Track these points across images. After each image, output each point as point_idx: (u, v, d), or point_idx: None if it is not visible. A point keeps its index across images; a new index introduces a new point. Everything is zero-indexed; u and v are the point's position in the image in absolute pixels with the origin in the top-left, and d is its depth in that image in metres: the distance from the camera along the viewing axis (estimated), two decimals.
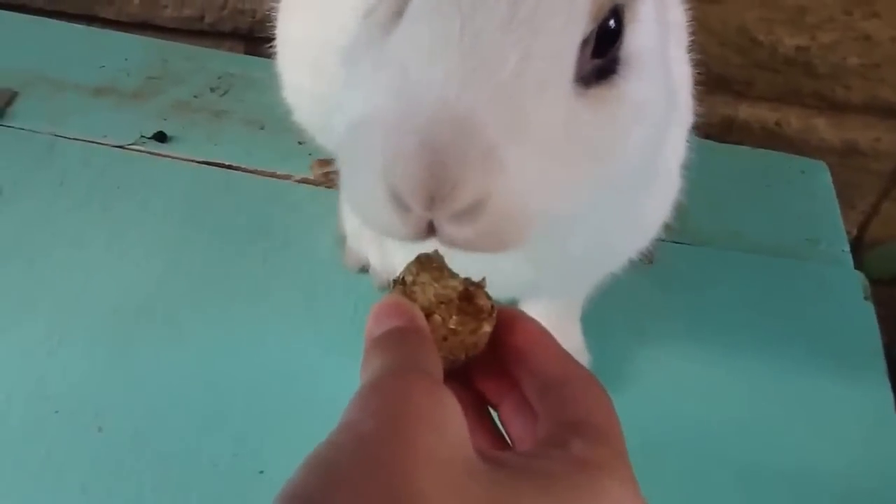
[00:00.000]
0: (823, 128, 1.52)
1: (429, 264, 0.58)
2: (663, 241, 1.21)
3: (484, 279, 0.58)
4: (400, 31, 0.55)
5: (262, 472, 0.93)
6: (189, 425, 0.95)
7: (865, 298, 1.19)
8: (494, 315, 0.58)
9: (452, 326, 0.56)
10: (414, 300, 0.56)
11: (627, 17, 0.59)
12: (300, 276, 1.13)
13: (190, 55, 1.44)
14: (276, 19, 1.08)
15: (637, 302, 1.14)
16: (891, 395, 1.09)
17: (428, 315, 0.56)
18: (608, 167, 0.59)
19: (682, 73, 0.82)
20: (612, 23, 0.58)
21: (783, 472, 0.99)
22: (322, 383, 1.00)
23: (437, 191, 0.51)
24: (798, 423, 1.05)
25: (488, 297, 0.58)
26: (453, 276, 0.58)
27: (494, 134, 0.51)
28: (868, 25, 1.41)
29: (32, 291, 1.07)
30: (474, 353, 0.58)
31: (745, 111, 1.53)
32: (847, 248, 1.27)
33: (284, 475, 0.74)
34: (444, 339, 0.56)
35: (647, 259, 1.20)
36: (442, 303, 0.57)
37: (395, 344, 0.51)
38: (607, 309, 1.05)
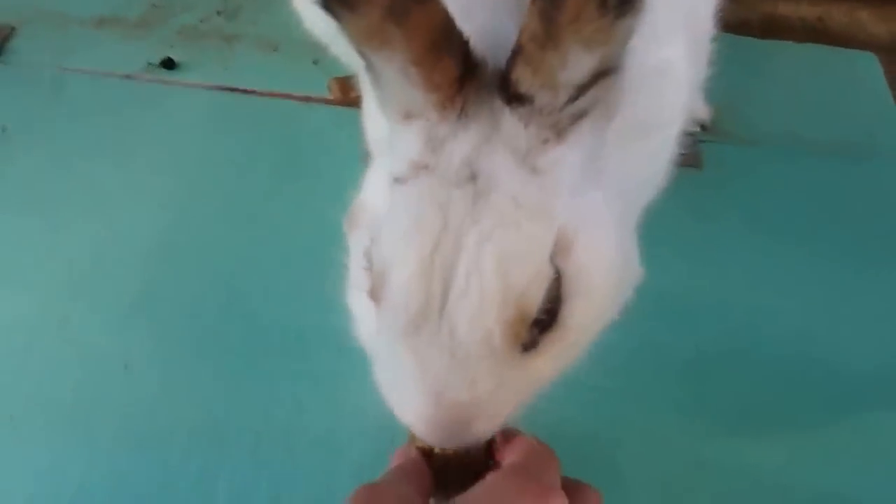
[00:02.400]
0: (869, 20, 1.47)
1: None
2: (710, 142, 1.17)
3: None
4: (384, 354, 0.69)
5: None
6: (215, 359, 0.92)
7: None
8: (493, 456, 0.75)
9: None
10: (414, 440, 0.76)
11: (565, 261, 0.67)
12: (325, 199, 1.07)
13: None
14: None
15: (686, 211, 1.09)
16: None
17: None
18: (571, 364, 0.72)
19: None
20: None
21: (850, 376, 0.95)
22: None
23: (448, 444, 0.70)
24: (866, 316, 1.01)
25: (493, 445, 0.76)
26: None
27: (470, 414, 0.67)
28: None
29: (51, 235, 1.04)
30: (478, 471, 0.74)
31: (786, 7, 1.48)
32: None
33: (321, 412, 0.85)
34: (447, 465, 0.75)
35: (696, 164, 1.15)
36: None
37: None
38: (660, 216, 0.99)
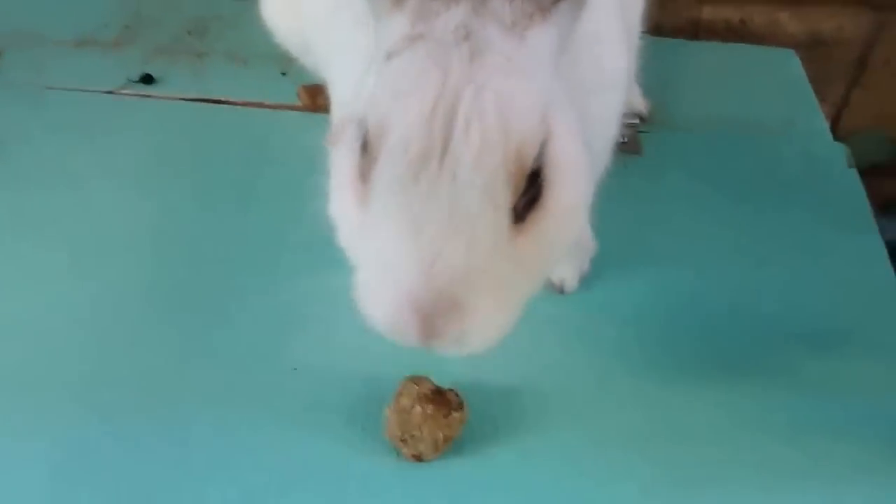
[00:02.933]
0: (787, 21, 1.60)
1: (415, 379, 0.89)
2: (649, 131, 1.28)
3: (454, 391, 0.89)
4: (374, 223, 0.70)
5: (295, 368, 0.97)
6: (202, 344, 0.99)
7: (849, 166, 1.26)
8: (464, 409, 0.87)
9: (428, 413, 0.86)
10: (400, 399, 0.87)
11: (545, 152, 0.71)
12: (297, 195, 1.16)
13: (163, 3, 1.50)
14: None
15: (632, 189, 1.18)
16: (882, 245, 1.15)
17: (410, 409, 0.86)
18: (554, 259, 0.78)
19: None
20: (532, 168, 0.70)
21: (786, 323, 1.05)
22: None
23: (428, 341, 0.70)
24: (800, 279, 1.10)
25: (457, 396, 0.88)
26: (433, 385, 0.88)
27: (459, 296, 0.68)
28: None
29: (42, 229, 1.11)
30: (449, 435, 0.87)
31: (709, 12, 1.60)
32: (825, 123, 1.34)
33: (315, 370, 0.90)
34: (424, 423, 0.86)
35: (637, 151, 1.26)
36: (419, 399, 0.87)
37: None
38: (604, 200, 1.09)
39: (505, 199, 0.68)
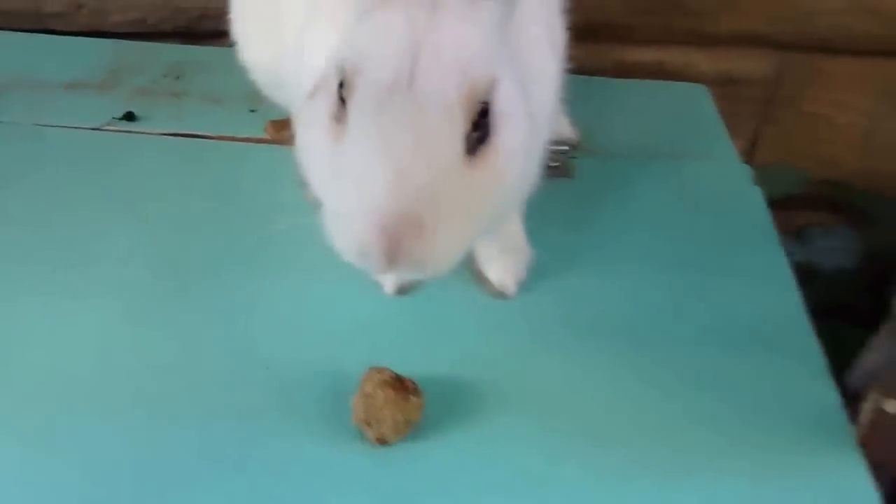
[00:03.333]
0: (700, 62, 1.75)
1: (378, 370, 0.97)
2: (578, 158, 1.43)
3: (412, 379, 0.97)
4: (348, 150, 0.83)
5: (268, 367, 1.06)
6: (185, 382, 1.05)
7: (753, 183, 1.41)
8: (421, 395, 0.97)
9: (390, 397, 0.94)
10: (364, 385, 0.96)
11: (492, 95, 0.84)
12: (267, 219, 1.26)
13: (141, 50, 1.61)
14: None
15: (564, 208, 1.31)
16: (784, 256, 1.28)
17: (373, 394, 0.95)
18: (500, 199, 0.89)
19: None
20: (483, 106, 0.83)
21: (701, 328, 1.16)
22: (308, 303, 1.15)
23: (392, 260, 0.80)
24: (710, 288, 1.22)
25: (413, 383, 0.97)
26: (394, 374, 0.97)
27: (422, 214, 0.79)
28: None
29: (37, 254, 1.20)
30: (409, 419, 0.96)
31: (631, 55, 1.74)
32: (733, 148, 1.48)
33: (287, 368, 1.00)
34: (386, 406, 0.94)
35: (566, 174, 1.41)
36: (381, 385, 0.95)
37: None
38: (537, 221, 1.21)
39: (460, 125, 0.81)
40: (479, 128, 0.83)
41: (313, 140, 0.89)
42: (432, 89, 0.80)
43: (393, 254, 0.80)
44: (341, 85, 0.84)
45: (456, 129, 0.81)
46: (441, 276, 0.87)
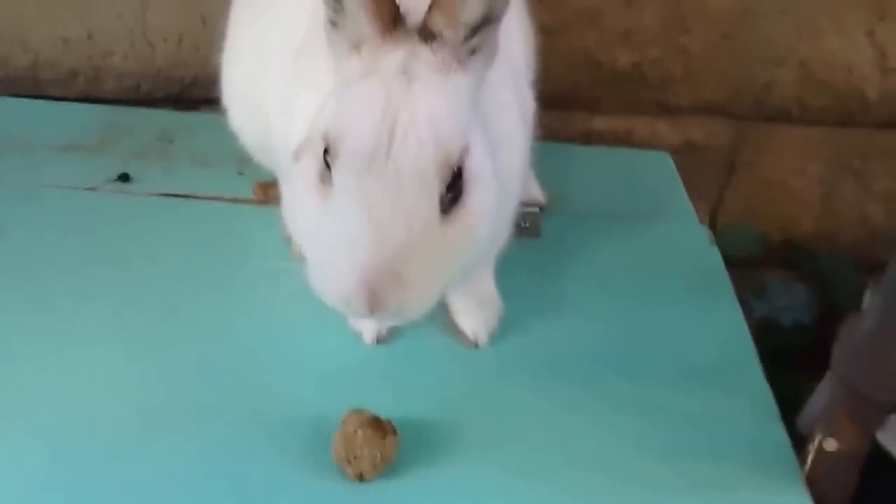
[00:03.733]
0: (664, 130, 1.84)
1: (357, 411, 1.04)
2: (547, 217, 1.50)
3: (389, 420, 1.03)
4: (334, 210, 0.91)
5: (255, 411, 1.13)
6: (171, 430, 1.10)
7: (711, 244, 1.49)
8: (398, 435, 1.03)
9: (368, 436, 1.01)
10: (345, 425, 1.02)
11: (464, 159, 0.92)
12: (251, 277, 1.33)
13: (135, 115, 1.68)
14: (220, 67, 1.35)
15: (533, 265, 1.40)
16: (738, 309, 1.37)
17: (353, 433, 1.01)
18: (472, 253, 0.97)
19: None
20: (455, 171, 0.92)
21: (658, 373, 1.24)
22: (288, 354, 1.22)
23: (373, 308, 0.88)
24: (667, 337, 1.30)
25: (391, 423, 1.03)
26: (372, 414, 1.03)
27: (400, 269, 0.88)
28: (683, 39, 1.74)
29: (34, 308, 1.25)
30: (386, 457, 1.02)
31: (599, 123, 1.83)
32: (692, 209, 1.57)
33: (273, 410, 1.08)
34: (365, 445, 1.01)
35: (536, 234, 1.49)
36: (360, 425, 1.01)
37: None
38: (508, 276, 1.29)
39: (435, 189, 0.89)
40: (453, 189, 0.91)
41: (301, 200, 0.96)
42: (409, 158, 0.88)
43: (373, 303, 0.88)
44: (326, 150, 0.93)
45: (431, 192, 0.90)
46: (415, 320, 0.96)
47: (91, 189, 1.49)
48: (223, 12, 1.36)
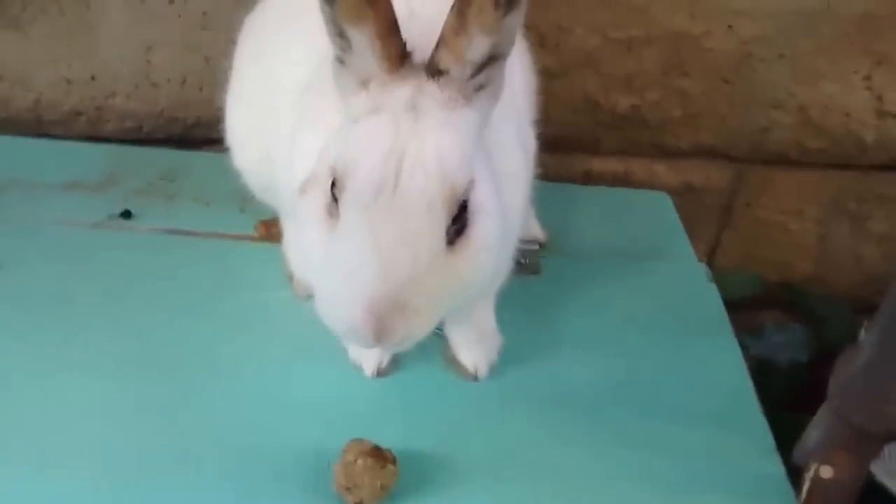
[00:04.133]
0: (663, 172, 1.86)
1: (358, 441, 1.06)
2: (546, 256, 1.52)
3: (389, 450, 1.05)
4: (341, 242, 0.93)
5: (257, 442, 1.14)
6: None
7: (709, 281, 1.50)
8: (397, 464, 1.04)
9: (368, 464, 1.03)
10: (345, 454, 1.04)
11: (469, 193, 0.94)
12: (254, 313, 1.34)
13: (138, 155, 1.70)
14: (224, 106, 1.37)
15: (532, 301, 1.41)
16: (736, 345, 1.38)
17: (354, 462, 1.03)
18: (475, 284, 0.99)
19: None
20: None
21: (657, 407, 1.26)
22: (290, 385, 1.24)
23: (379, 338, 0.91)
24: (666, 373, 1.32)
25: (391, 452, 1.05)
26: (372, 444, 1.05)
27: (406, 299, 0.90)
28: (682, 83, 1.76)
29: (36, 342, 1.27)
30: (386, 485, 1.04)
31: (599, 165, 1.85)
32: (690, 247, 1.58)
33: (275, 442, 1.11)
34: (365, 473, 1.02)
35: (536, 271, 1.50)
36: (360, 454, 1.03)
37: None
38: (508, 312, 1.31)
39: (441, 221, 0.91)
40: (458, 221, 0.93)
41: (308, 232, 0.98)
42: (416, 191, 0.90)
43: (380, 333, 0.90)
44: (333, 184, 0.94)
45: (437, 224, 0.91)
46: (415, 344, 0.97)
47: (93, 225, 1.50)
48: (226, 53, 1.38)
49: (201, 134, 1.78)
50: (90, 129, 1.79)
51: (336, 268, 0.93)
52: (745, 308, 1.64)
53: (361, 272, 0.90)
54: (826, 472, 1.07)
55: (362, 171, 0.91)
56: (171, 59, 1.74)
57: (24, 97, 1.76)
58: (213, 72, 1.59)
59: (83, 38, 1.70)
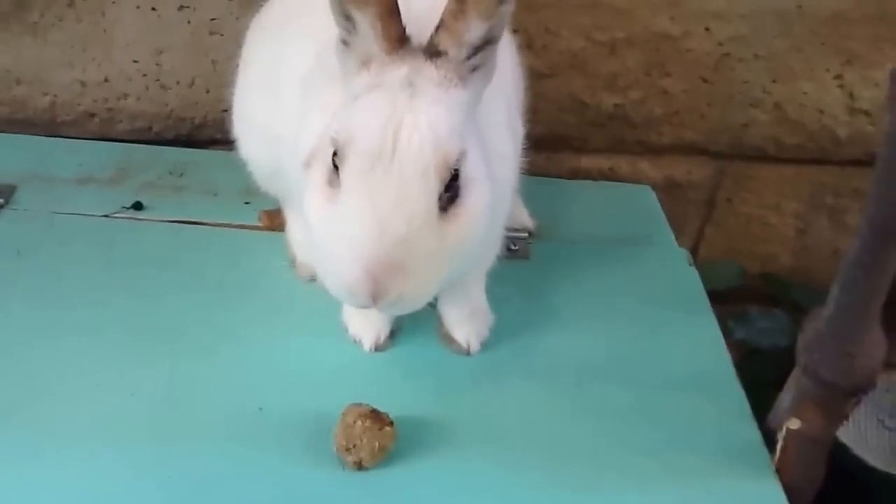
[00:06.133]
0: (647, 168, 1.93)
1: (357, 404, 1.12)
2: (535, 242, 1.59)
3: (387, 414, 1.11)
4: (341, 207, 0.99)
5: (261, 408, 1.21)
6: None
7: (690, 265, 1.58)
8: (394, 426, 1.10)
9: (367, 426, 1.08)
10: (345, 417, 1.09)
11: (461, 163, 1.01)
12: (263, 298, 1.43)
13: (148, 152, 1.78)
14: (232, 101, 1.45)
15: (522, 283, 1.48)
16: (714, 321, 1.46)
17: (353, 423, 1.08)
18: (467, 250, 1.05)
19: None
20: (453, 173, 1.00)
21: (639, 378, 1.33)
22: (302, 360, 1.30)
23: (376, 297, 0.98)
24: (648, 347, 1.39)
25: (388, 416, 1.10)
26: (371, 407, 1.11)
27: (401, 260, 0.97)
28: (664, 82, 1.83)
29: (51, 328, 1.33)
30: (384, 446, 1.09)
31: (586, 162, 1.92)
32: (671, 234, 1.66)
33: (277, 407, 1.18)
34: (364, 434, 1.08)
35: (525, 256, 1.57)
36: (359, 416, 1.09)
37: None
38: (499, 292, 1.39)
39: (434, 188, 0.98)
40: (450, 190, 1.00)
41: (311, 200, 1.05)
42: (411, 159, 0.97)
43: (376, 292, 0.97)
44: (335, 154, 1.02)
45: (431, 191, 0.98)
46: (412, 310, 1.04)
47: (106, 216, 1.57)
48: (232, 57, 1.47)
49: (208, 134, 1.87)
50: (102, 129, 1.86)
51: (336, 232, 1.00)
52: (728, 298, 1.71)
53: (359, 235, 0.97)
54: (795, 423, 1.14)
55: (361, 141, 0.98)
56: (180, 63, 1.82)
57: (40, 99, 1.84)
58: (219, 75, 1.74)
59: (97, 43, 1.79)
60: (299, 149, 1.13)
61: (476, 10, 0.97)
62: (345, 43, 1.04)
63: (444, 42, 1.01)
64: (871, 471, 1.41)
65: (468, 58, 1.02)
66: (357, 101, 1.02)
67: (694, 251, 1.97)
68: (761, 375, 1.53)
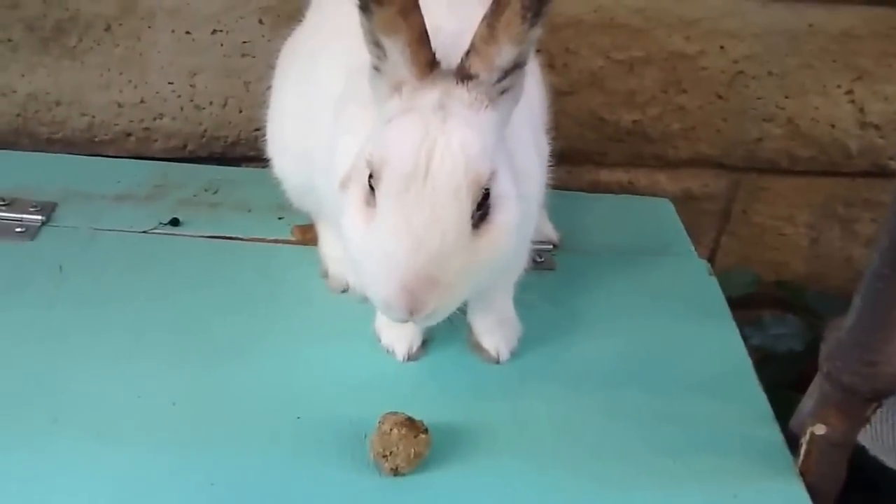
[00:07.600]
0: (664, 181, 1.98)
1: (393, 413, 1.15)
2: (560, 253, 1.63)
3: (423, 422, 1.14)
4: (378, 226, 1.03)
5: (298, 417, 1.26)
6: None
7: (710, 275, 1.62)
8: (429, 433, 1.13)
9: (403, 433, 1.11)
10: (381, 425, 1.13)
11: (492, 183, 1.04)
12: (291, 313, 1.47)
13: (184, 170, 1.81)
14: (266, 122, 1.50)
15: (548, 294, 1.52)
16: (735, 327, 1.51)
17: (389, 431, 1.11)
18: (497, 264, 1.09)
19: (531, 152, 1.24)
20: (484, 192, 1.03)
21: (664, 383, 1.38)
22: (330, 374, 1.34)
23: (412, 311, 1.01)
24: (671, 353, 1.44)
25: (423, 424, 1.13)
26: (406, 415, 1.13)
27: (435, 275, 1.00)
28: (680, 99, 1.88)
29: (91, 340, 1.36)
30: (420, 452, 1.12)
31: (605, 175, 1.97)
32: (691, 246, 1.70)
33: (315, 416, 1.22)
34: (400, 441, 1.11)
35: (551, 267, 1.62)
36: (395, 425, 1.12)
37: None
38: (526, 302, 1.43)
39: (466, 206, 1.01)
40: (481, 208, 1.03)
41: (349, 220, 1.08)
42: (444, 179, 1.00)
43: (413, 306, 1.01)
44: (370, 176, 1.06)
45: (463, 209, 1.01)
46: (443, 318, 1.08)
47: (144, 232, 1.60)
48: (264, 78, 1.52)
49: (241, 152, 1.92)
50: (139, 147, 1.91)
51: (374, 249, 1.03)
52: (744, 305, 1.75)
53: (396, 252, 1.00)
54: (820, 429, 1.18)
55: (396, 163, 1.01)
56: (214, 84, 1.87)
57: (79, 119, 1.88)
58: (252, 95, 1.80)
59: (134, 65, 1.84)
60: (334, 170, 1.16)
61: (507, 35, 1.00)
62: (376, 69, 1.07)
63: (476, 66, 1.03)
64: (884, 470, 1.45)
65: (498, 81, 1.04)
66: (390, 124, 1.04)
67: (710, 260, 1.98)
68: (778, 379, 1.59)
